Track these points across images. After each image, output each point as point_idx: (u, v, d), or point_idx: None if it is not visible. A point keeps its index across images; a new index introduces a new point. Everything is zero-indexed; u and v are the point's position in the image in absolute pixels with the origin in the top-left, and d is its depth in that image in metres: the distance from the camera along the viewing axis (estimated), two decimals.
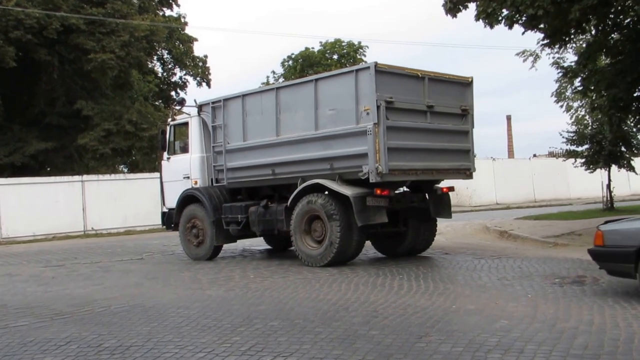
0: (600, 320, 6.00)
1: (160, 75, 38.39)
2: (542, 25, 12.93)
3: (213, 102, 12.75)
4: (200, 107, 13.01)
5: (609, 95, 14.34)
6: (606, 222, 7.65)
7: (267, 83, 40.54)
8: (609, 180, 21.58)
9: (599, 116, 19.65)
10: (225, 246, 13.27)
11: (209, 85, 37.37)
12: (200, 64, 37.29)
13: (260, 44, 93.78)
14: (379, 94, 9.90)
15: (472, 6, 13.03)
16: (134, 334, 6.12)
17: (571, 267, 9.45)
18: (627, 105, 14.56)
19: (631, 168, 22.00)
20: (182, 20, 35.85)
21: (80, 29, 27.38)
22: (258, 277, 9.68)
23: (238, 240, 13.17)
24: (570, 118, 27.57)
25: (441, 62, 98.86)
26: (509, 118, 52.26)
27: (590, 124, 22.68)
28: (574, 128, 22.61)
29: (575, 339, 5.39)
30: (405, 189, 11.63)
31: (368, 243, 11.70)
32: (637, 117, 15.81)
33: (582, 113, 27.08)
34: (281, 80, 40.44)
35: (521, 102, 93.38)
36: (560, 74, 17.64)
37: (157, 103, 36.81)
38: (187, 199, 12.88)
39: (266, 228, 11.74)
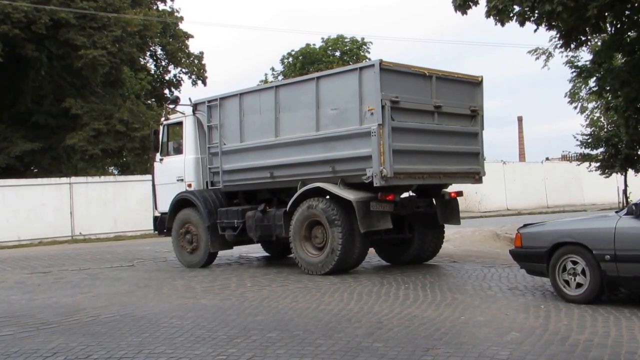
0: (617, 333, 5.99)
1: (153, 72, 38.45)
2: (555, 23, 12.93)
3: (209, 101, 12.75)
4: (195, 106, 13.02)
5: (624, 94, 14.38)
6: (525, 225, 8.42)
7: (266, 81, 40.59)
8: (625, 185, 21.53)
9: (615, 118, 19.64)
10: (221, 253, 13.26)
11: (204, 83, 37.42)
12: (196, 61, 37.34)
13: (260, 44, 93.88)
14: (383, 93, 9.90)
15: (482, 2, 13.06)
16: (124, 345, 6.11)
17: None
18: None
19: None
20: (177, 14, 35.96)
21: (70, 23, 27.42)
22: (255, 286, 9.67)
23: (234, 247, 13.18)
24: (585, 120, 27.56)
25: (450, 61, 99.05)
26: (520, 119, 52.35)
27: (605, 126, 22.66)
28: (588, 130, 22.59)
29: (590, 352, 5.38)
30: (411, 193, 11.64)
31: (371, 250, 11.69)
32: None
33: (597, 115, 27.07)
34: (280, 78, 40.47)
35: (532, 103, 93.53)
36: (574, 74, 17.62)
37: (149, 101, 36.84)
38: (181, 202, 12.87)
39: (264, 234, 11.73)
